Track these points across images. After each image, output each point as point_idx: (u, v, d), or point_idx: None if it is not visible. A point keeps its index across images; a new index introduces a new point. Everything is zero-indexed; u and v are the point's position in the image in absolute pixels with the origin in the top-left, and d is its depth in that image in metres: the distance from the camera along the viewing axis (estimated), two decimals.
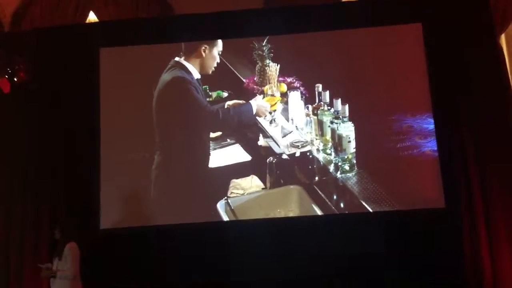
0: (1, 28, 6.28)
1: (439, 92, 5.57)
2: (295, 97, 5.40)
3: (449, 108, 5.54)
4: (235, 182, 5.34)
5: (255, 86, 5.64)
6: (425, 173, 5.43)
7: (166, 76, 5.25)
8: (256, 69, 5.61)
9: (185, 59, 5.26)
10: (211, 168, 5.37)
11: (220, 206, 5.21)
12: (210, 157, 5.38)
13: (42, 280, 5.09)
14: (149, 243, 5.43)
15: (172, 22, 6.12)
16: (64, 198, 5.64)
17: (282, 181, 5.28)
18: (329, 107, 5.15)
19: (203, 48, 5.27)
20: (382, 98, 5.60)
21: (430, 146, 5.48)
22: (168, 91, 5.24)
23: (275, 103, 5.40)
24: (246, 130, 5.53)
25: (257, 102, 5.35)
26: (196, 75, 5.25)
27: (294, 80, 5.62)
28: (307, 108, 5.34)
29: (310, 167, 5.22)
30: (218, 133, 5.55)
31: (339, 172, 5.13)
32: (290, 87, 5.57)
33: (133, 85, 5.76)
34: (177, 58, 5.27)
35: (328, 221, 5.31)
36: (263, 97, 5.47)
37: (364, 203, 5.05)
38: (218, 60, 5.34)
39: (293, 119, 5.37)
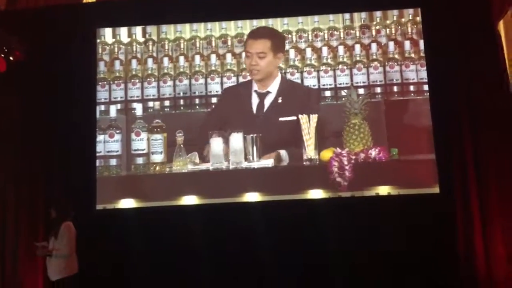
0: None
1: (435, 78, 5.57)
2: None
3: (446, 92, 5.54)
4: None
5: None
6: (419, 157, 5.43)
7: None
8: None
9: None
10: None
11: None
12: None
13: (37, 258, 5.12)
14: (145, 223, 5.42)
15: (170, 3, 6.06)
16: (60, 178, 5.64)
17: None
18: None
19: None
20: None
21: None
22: None
23: None
24: None
25: None
26: None
27: None
28: None
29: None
30: None
31: None
32: None
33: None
34: None
35: (320, 204, 5.35)
36: None
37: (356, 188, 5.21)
38: None
39: None
